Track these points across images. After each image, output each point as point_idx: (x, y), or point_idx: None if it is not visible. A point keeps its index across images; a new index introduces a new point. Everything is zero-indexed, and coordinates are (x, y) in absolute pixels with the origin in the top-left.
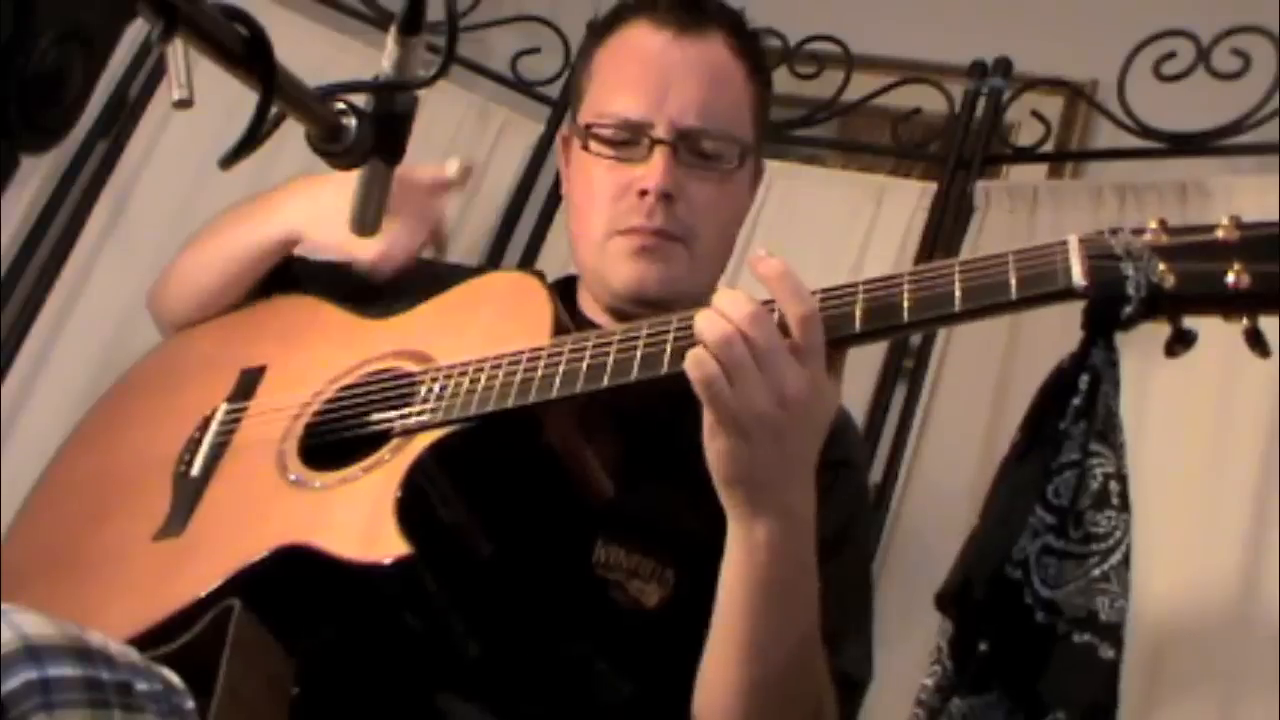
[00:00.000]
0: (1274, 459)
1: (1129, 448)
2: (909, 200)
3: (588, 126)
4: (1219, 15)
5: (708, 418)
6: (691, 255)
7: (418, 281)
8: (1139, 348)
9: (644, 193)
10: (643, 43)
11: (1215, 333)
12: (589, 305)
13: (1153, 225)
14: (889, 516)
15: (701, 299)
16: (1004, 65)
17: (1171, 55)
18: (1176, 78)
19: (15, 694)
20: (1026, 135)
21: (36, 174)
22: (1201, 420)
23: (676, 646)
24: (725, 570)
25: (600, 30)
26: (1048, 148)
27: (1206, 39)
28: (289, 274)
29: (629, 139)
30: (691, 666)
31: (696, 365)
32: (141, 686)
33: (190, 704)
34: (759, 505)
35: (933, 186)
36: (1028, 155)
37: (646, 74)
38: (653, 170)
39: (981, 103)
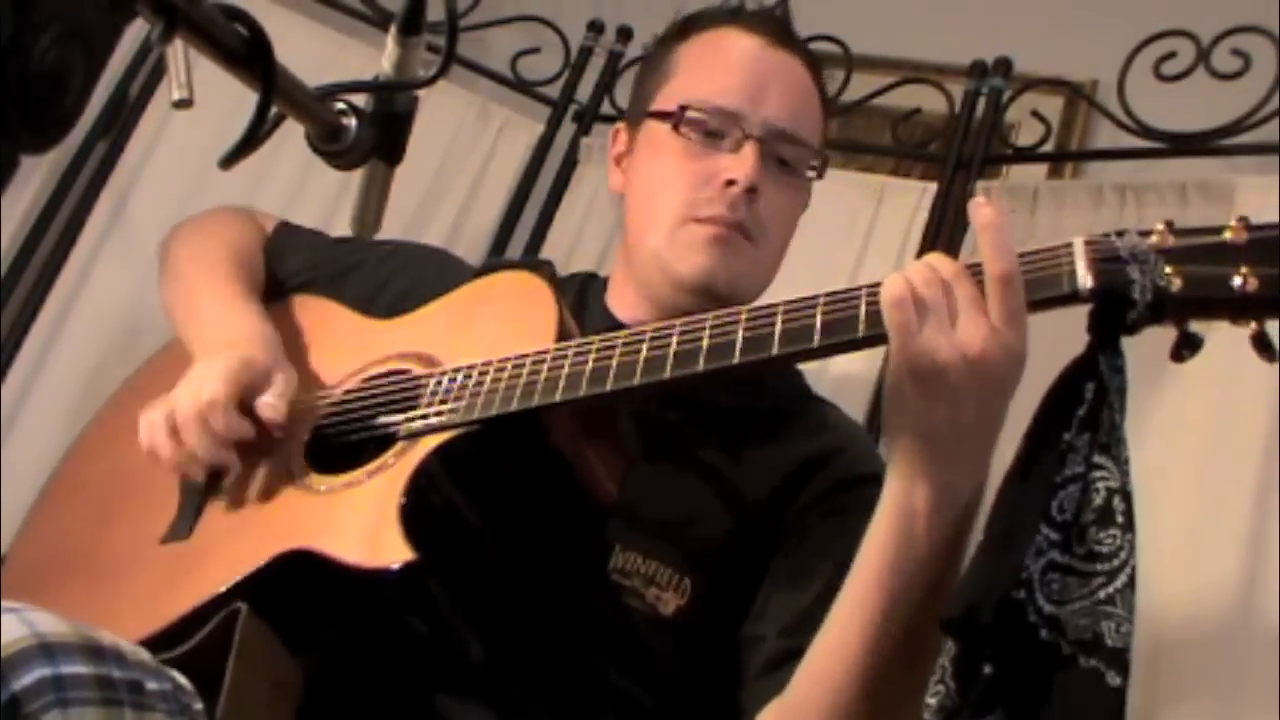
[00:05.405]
0: (1274, 463)
1: (1129, 448)
2: (909, 200)
3: (683, 107)
4: (1219, 15)
5: (893, 361)
6: (758, 256)
7: (430, 274)
8: (1138, 350)
9: (730, 183)
10: (738, 42)
11: (1217, 335)
12: (620, 303)
13: (1159, 227)
14: None
15: (750, 302)
16: (1004, 65)
17: (1171, 55)
18: (1176, 78)
19: (29, 690)
20: (1026, 135)
21: (36, 174)
22: (1202, 424)
23: (692, 656)
24: (872, 530)
25: (682, 29)
26: (1048, 148)
27: (1206, 39)
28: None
29: (720, 129)
30: (707, 676)
31: (895, 304)
32: (152, 685)
33: (199, 705)
34: (924, 470)
35: (933, 186)
36: (1028, 155)
37: (744, 70)
38: (743, 162)
39: (981, 103)
